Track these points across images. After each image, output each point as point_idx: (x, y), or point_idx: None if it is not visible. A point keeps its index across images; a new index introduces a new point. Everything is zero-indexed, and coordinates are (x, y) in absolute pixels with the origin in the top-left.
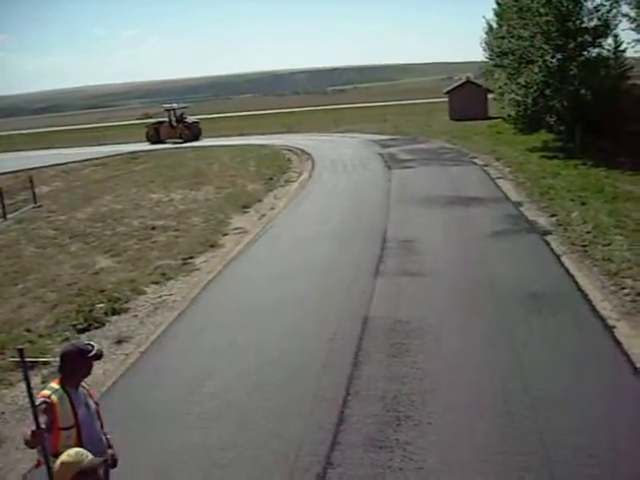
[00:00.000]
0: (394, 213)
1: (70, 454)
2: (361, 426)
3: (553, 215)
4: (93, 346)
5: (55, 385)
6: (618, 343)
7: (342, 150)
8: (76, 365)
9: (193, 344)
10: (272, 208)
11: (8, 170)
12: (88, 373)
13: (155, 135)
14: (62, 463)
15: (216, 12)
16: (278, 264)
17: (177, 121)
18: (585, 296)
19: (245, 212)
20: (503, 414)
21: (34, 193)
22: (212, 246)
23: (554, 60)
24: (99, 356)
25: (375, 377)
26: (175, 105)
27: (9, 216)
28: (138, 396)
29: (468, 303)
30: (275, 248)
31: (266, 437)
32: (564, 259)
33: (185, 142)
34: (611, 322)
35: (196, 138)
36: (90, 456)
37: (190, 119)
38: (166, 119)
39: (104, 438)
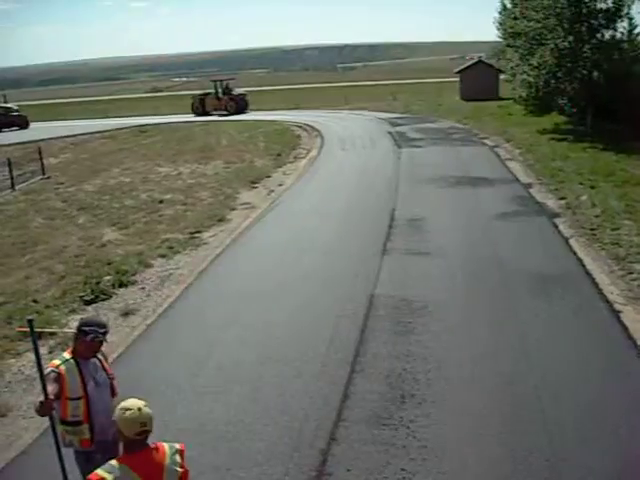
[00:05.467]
0: (403, 192)
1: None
2: (365, 403)
3: (562, 198)
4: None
5: (66, 355)
6: (625, 328)
7: (351, 128)
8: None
9: (200, 317)
10: (280, 184)
11: (17, 141)
12: (98, 348)
13: (200, 107)
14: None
15: None
16: (286, 240)
17: (223, 93)
18: (592, 280)
19: (253, 187)
20: (507, 395)
21: (42, 164)
22: (220, 220)
23: (566, 42)
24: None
25: (380, 355)
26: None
27: (17, 187)
28: (143, 369)
29: (474, 283)
30: (283, 224)
31: (271, 412)
32: (572, 242)
33: (230, 114)
34: (618, 306)
35: (242, 111)
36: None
37: (237, 91)
38: (212, 91)
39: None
